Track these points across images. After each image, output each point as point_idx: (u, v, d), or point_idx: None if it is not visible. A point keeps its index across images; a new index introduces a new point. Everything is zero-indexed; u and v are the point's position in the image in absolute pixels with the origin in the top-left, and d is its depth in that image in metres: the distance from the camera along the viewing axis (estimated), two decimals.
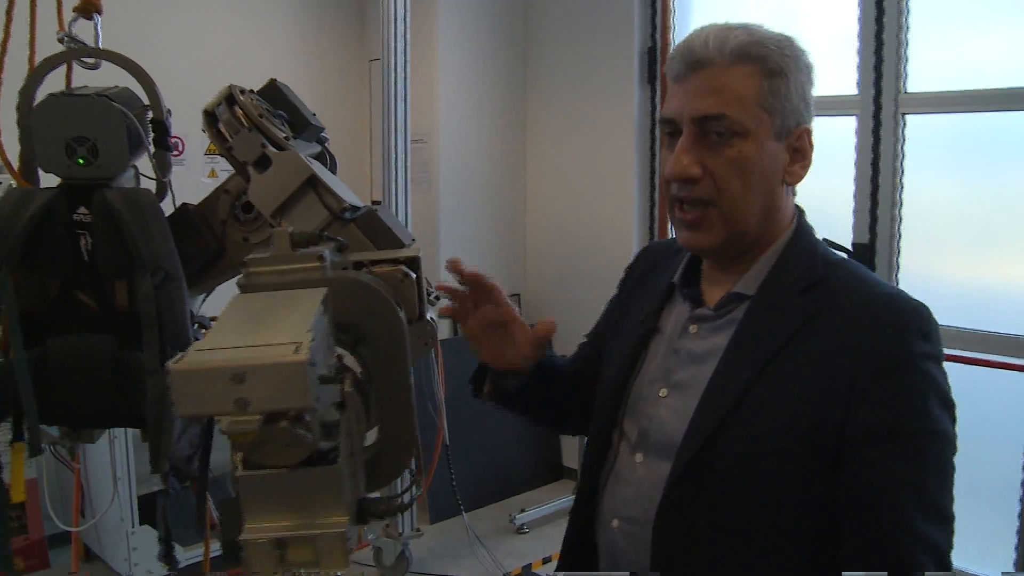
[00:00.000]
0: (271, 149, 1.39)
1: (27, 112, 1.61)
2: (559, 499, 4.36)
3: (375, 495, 1.28)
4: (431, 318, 1.38)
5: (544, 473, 4.66)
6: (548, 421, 1.73)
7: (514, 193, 4.74)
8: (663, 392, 1.34)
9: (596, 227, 4.45)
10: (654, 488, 1.28)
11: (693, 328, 1.35)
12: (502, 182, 4.67)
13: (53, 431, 1.81)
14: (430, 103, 4.28)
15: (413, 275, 1.26)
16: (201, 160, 3.90)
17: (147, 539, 3.47)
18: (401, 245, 1.35)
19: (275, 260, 1.21)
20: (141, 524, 3.50)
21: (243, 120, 1.42)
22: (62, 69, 1.70)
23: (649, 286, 1.51)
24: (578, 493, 1.51)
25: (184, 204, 1.69)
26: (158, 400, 1.54)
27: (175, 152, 3.50)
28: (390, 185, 3.24)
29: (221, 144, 1.44)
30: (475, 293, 1.49)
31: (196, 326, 1.76)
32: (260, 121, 1.42)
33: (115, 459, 3.19)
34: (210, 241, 1.66)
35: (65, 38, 1.64)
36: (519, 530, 4.16)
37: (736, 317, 1.29)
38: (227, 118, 1.42)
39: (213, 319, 1.85)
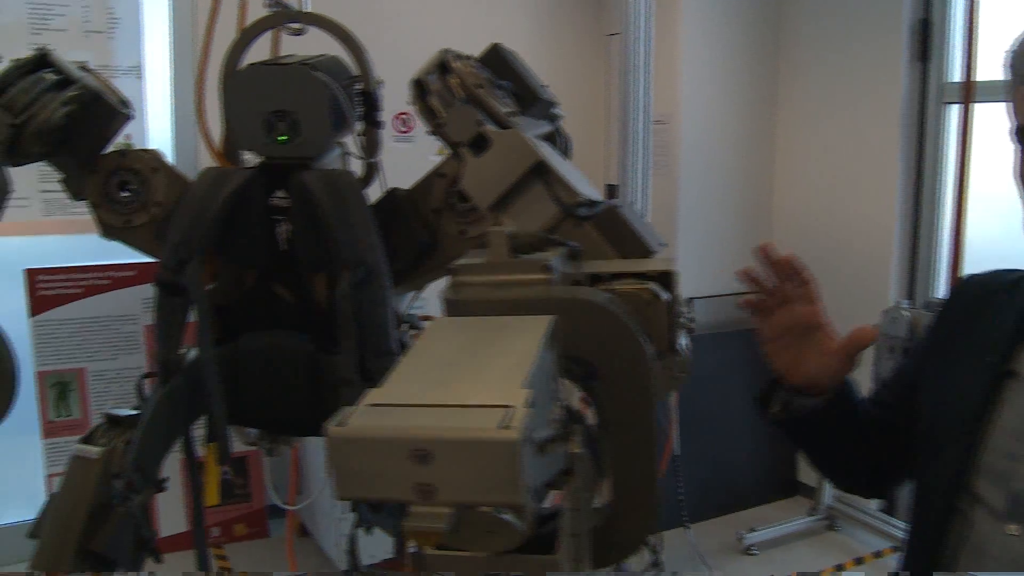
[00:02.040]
0: (490, 127, 1.13)
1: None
2: (793, 520, 3.94)
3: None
4: (684, 346, 1.08)
5: (776, 488, 4.25)
6: (837, 465, 1.42)
7: (760, 182, 4.33)
8: None
9: (851, 224, 4.00)
10: None
11: None
12: (748, 169, 4.28)
13: (250, 430, 1.68)
14: (671, 81, 3.95)
15: (665, 296, 0.97)
16: (430, 137, 3.74)
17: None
18: (647, 252, 1.05)
19: (490, 269, 0.96)
20: (352, 511, 3.42)
21: (457, 91, 1.18)
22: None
23: (982, 325, 1.23)
24: (909, 567, 1.24)
25: (393, 189, 1.48)
26: None
27: (403, 130, 3.35)
28: (627, 169, 2.96)
29: (431, 120, 1.21)
30: (785, 287, 1.23)
31: (404, 327, 1.55)
32: (478, 92, 1.17)
33: None
34: (421, 233, 1.45)
35: (271, 3, 1.47)
36: (747, 551, 3.78)
37: None
38: (438, 88, 1.19)
39: (425, 319, 1.66)
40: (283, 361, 1.45)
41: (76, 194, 1.54)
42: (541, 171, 1.09)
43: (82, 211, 1.54)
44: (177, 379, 1.42)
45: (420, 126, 3.60)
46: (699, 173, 4.09)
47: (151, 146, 1.82)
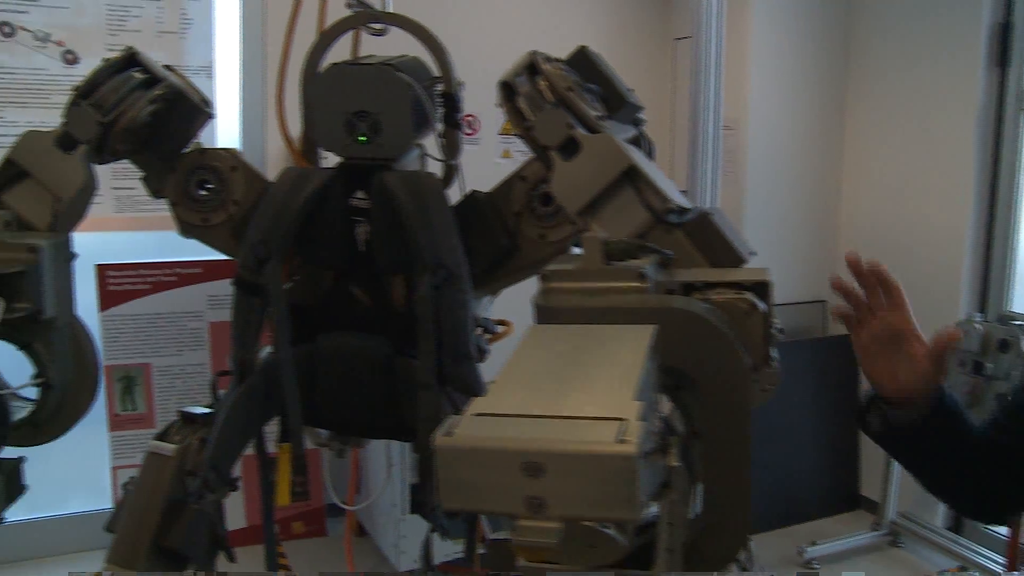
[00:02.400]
0: (580, 131, 1.11)
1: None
2: (855, 534, 3.85)
3: None
4: (775, 358, 1.05)
5: (838, 501, 4.16)
6: (948, 486, 1.34)
7: (828, 189, 4.25)
8: None
9: (922, 233, 3.89)
10: None
11: None
12: (816, 176, 4.20)
13: (322, 431, 1.67)
14: (740, 86, 3.89)
15: (762, 307, 0.94)
16: (495, 139, 3.72)
17: (416, 528, 3.37)
18: (738, 261, 1.02)
19: (583, 275, 0.94)
20: (412, 512, 3.42)
21: (547, 94, 1.16)
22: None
23: None
24: None
25: (473, 192, 1.47)
26: (432, 419, 1.32)
27: (468, 132, 3.33)
28: (696, 173, 2.92)
29: (519, 122, 1.19)
30: (874, 295, 1.20)
31: (479, 331, 1.53)
32: (568, 95, 1.15)
33: (389, 443, 3.12)
34: (501, 236, 1.44)
35: (353, 3, 1.46)
36: (807, 564, 3.70)
37: None
38: (527, 91, 1.17)
39: (499, 323, 1.65)
40: (359, 363, 1.44)
41: (156, 192, 1.55)
42: (632, 176, 1.06)
43: (152, 208, 1.54)
44: (253, 379, 1.42)
45: (486, 128, 3.62)
46: (766, 179, 4.02)
47: (220, 145, 1.84)
